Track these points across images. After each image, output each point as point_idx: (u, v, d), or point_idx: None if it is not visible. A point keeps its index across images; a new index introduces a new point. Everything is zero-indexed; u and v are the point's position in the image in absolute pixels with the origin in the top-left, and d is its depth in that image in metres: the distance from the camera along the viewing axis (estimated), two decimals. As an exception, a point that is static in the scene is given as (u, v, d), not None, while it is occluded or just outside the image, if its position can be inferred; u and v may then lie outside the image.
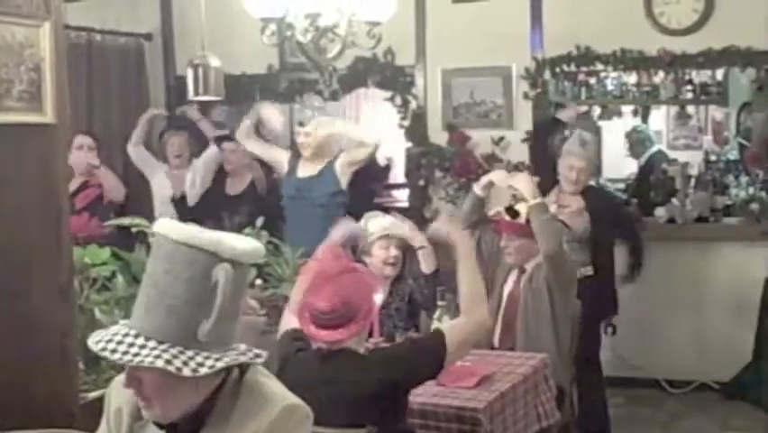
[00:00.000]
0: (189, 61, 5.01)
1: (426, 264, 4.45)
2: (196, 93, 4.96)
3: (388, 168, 11.24)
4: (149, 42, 7.45)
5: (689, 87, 7.25)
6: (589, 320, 4.77)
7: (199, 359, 1.92)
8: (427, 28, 6.74)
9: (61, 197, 2.95)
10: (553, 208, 4.88)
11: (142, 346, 1.92)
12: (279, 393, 2.08)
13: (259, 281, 4.41)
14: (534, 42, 6.46)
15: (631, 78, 7.27)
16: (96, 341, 1.96)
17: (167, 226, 2.00)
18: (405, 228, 4.49)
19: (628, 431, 5.55)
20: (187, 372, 1.89)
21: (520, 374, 3.78)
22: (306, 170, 5.74)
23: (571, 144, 5.32)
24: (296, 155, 5.88)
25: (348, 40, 4.05)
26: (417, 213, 6.81)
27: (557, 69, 6.50)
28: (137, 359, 1.90)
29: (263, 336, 3.22)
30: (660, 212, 6.44)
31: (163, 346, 1.92)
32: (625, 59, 6.32)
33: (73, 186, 5.90)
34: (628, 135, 8.04)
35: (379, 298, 3.78)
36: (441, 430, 3.35)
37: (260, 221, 4.58)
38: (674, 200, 6.43)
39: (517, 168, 6.47)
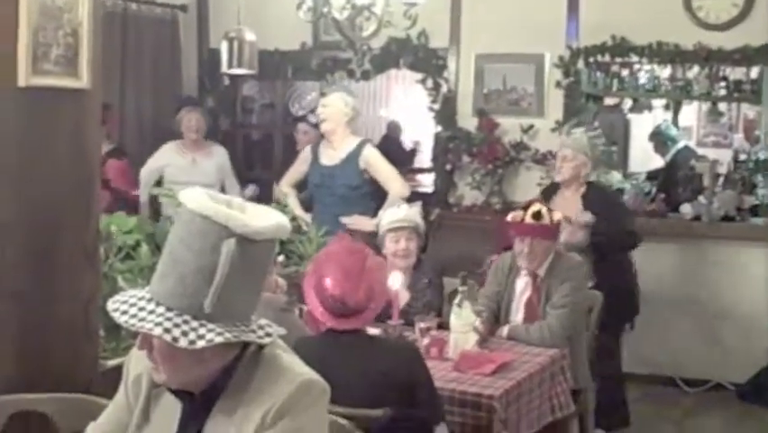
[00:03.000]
0: (225, 34, 5.02)
1: None
2: (230, 66, 4.98)
3: (414, 152, 11.25)
4: (183, 14, 7.44)
5: (722, 84, 7.15)
6: (607, 326, 4.74)
7: (202, 331, 1.92)
8: (462, 12, 6.71)
9: (93, 162, 2.96)
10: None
11: (151, 312, 1.94)
12: (298, 368, 2.08)
13: (281, 258, 4.42)
14: (570, 31, 6.42)
15: (664, 72, 7.19)
16: (113, 301, 1.99)
17: (189, 195, 2.00)
18: (418, 219, 4.47)
19: (642, 427, 5.53)
20: (183, 342, 1.90)
21: (537, 364, 3.78)
22: (329, 157, 5.63)
23: (565, 135, 5.29)
24: (318, 143, 5.80)
25: (384, 19, 4.03)
26: (442, 198, 6.82)
27: (591, 59, 6.46)
28: (139, 324, 1.92)
29: (282, 313, 3.22)
30: (686, 209, 6.39)
31: (170, 314, 1.93)
32: (660, 52, 6.28)
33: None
34: (652, 137, 7.98)
35: (396, 281, 3.82)
36: (455, 415, 3.34)
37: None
38: (701, 198, 6.38)
39: (545, 157, 6.47)
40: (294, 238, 4.56)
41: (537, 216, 4.25)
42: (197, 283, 1.94)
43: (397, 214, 4.46)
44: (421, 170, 9.91)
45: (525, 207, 4.34)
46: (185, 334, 1.92)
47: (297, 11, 4.19)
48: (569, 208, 4.89)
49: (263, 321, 2.10)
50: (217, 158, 6.49)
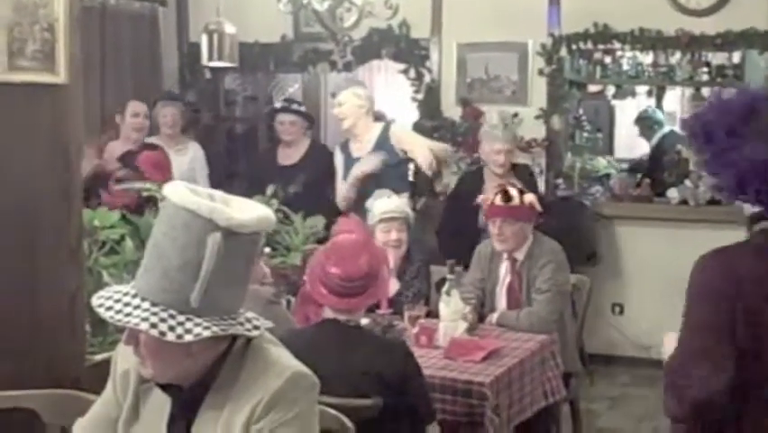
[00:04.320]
0: (204, 27, 4.98)
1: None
2: (210, 59, 4.94)
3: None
4: (163, 8, 7.39)
5: (705, 69, 7.16)
6: None
7: (189, 325, 1.91)
8: (444, 1, 6.66)
9: (73, 157, 2.93)
10: None
11: (136, 307, 1.92)
12: (286, 361, 2.07)
13: (267, 250, 4.40)
14: (552, 19, 6.39)
15: (647, 59, 7.19)
16: (98, 297, 1.97)
17: (172, 189, 1.98)
18: (408, 209, 4.46)
19: (631, 409, 5.54)
20: (171, 336, 1.89)
21: (528, 350, 3.77)
22: (359, 149, 5.55)
23: (494, 128, 5.30)
24: (345, 141, 5.73)
25: (365, 9, 4.00)
26: (428, 187, 6.79)
27: (573, 47, 6.45)
28: (125, 319, 1.90)
29: (270, 305, 3.20)
30: (672, 193, 6.40)
31: (155, 309, 1.92)
32: (642, 39, 6.27)
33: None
34: (637, 120, 7.99)
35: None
36: (446, 403, 3.33)
37: (270, 189, 4.57)
38: (687, 182, 6.38)
39: (530, 144, 6.46)
40: (280, 229, 4.54)
41: (506, 197, 4.23)
42: (183, 278, 1.93)
43: (388, 204, 4.45)
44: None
45: (500, 188, 4.35)
46: (172, 328, 1.91)
47: (278, 2, 4.15)
48: None
49: (251, 314, 2.09)
50: (191, 155, 6.39)
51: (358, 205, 5.33)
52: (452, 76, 6.74)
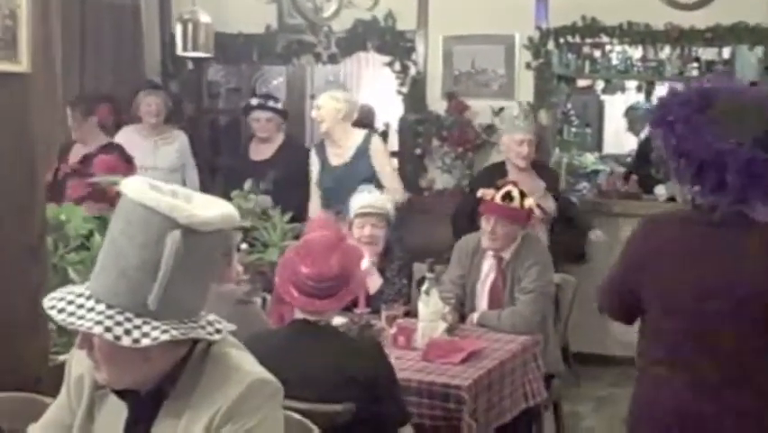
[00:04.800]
0: (179, 16, 4.85)
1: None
2: (185, 49, 4.82)
3: (385, 134, 11.12)
4: (146, -1, 7.27)
5: (695, 65, 7.09)
6: None
7: (146, 329, 1.81)
8: (430, -8, 6.58)
9: (36, 151, 2.83)
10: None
11: (90, 309, 1.82)
12: (248, 366, 1.97)
13: (244, 246, 4.29)
14: (539, 12, 6.30)
15: (636, 53, 7.11)
16: (49, 298, 1.87)
17: (130, 184, 1.88)
18: (388, 206, 4.35)
19: (617, 410, 5.44)
20: (126, 341, 1.79)
21: (509, 351, 3.68)
22: (337, 155, 5.49)
23: (516, 118, 5.20)
24: (321, 144, 5.67)
25: (345, -1, 3.88)
26: (413, 182, 6.70)
27: (561, 40, 6.36)
28: (78, 322, 1.80)
29: (240, 305, 3.09)
30: (660, 190, 6.33)
31: (111, 312, 1.82)
32: (631, 33, 6.18)
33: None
34: (626, 113, 7.91)
35: (363, 263, 3.71)
36: (423, 407, 3.23)
37: (247, 184, 4.45)
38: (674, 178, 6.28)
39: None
40: (258, 225, 4.43)
41: (507, 197, 4.16)
42: (140, 278, 1.83)
43: (366, 199, 4.35)
44: (392, 154, 9.78)
45: (499, 187, 4.24)
46: (127, 332, 1.81)
47: (255, -10, 4.03)
48: (529, 186, 4.84)
49: (212, 317, 1.99)
50: (179, 143, 6.35)
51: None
52: (438, 69, 6.63)
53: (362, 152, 5.42)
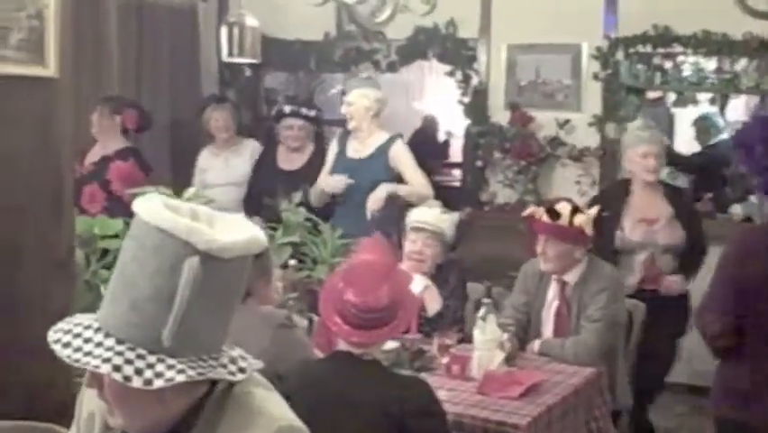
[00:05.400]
0: (224, 19, 4.66)
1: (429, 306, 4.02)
2: (231, 54, 4.63)
3: (447, 143, 10.90)
4: (203, 2, 7.11)
5: (772, 77, 6.74)
6: (666, 339, 4.43)
7: (160, 368, 1.60)
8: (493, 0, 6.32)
9: (63, 159, 2.65)
10: (630, 226, 4.47)
11: (98, 344, 1.62)
12: (274, 410, 1.76)
13: (293, 262, 4.09)
14: (608, 20, 6.01)
15: (710, 64, 6.78)
16: (55, 330, 1.67)
17: (143, 204, 1.67)
18: (445, 226, 4.09)
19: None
20: (137, 382, 1.58)
21: (571, 385, 3.39)
22: (356, 150, 5.34)
23: (639, 130, 4.80)
24: (345, 132, 5.51)
25: (399, 3, 3.64)
26: (473, 196, 6.45)
27: (631, 50, 6.05)
28: (84, 359, 1.60)
29: (281, 330, 2.87)
30: (736, 209, 5.99)
31: (121, 348, 1.61)
32: (706, 42, 5.86)
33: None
34: (695, 122, 7.59)
35: (417, 286, 3.48)
36: (477, 446, 2.97)
37: (297, 196, 4.26)
38: (752, 197, 5.97)
39: (582, 153, 6.09)
40: (307, 240, 4.22)
41: (553, 214, 3.84)
42: (154, 310, 1.62)
43: (423, 214, 4.10)
44: (455, 165, 9.57)
45: (551, 204, 3.96)
46: (139, 372, 1.60)
47: (304, -6, 3.82)
48: (653, 210, 4.56)
49: (236, 352, 1.78)
50: (250, 153, 6.14)
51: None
52: (501, 78, 6.37)
53: (382, 152, 5.26)
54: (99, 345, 1.62)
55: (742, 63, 6.50)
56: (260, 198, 5.52)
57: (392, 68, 6.69)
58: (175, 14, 6.93)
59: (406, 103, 11.37)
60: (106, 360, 1.60)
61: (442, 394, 3.14)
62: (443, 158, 10.90)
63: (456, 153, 9.55)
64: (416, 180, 5.20)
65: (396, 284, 2.63)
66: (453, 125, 9.77)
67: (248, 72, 7.14)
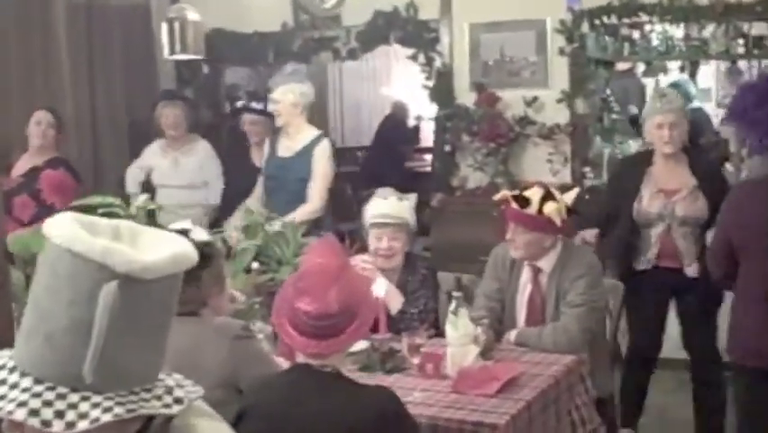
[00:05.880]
0: (164, 15, 4.45)
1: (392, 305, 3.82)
2: (172, 51, 4.41)
3: (417, 129, 10.74)
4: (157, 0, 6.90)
5: (741, 41, 6.59)
6: (704, 314, 4.34)
7: (84, 407, 1.43)
8: (453, -22, 6.16)
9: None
10: (648, 197, 4.32)
11: (13, 386, 1.44)
12: (218, 441, 1.58)
13: (256, 265, 3.91)
14: (571, -8, 5.84)
15: (678, 32, 6.64)
16: None
17: (55, 225, 1.49)
18: (407, 214, 3.92)
19: (675, 417, 5.01)
20: (58, 426, 1.40)
21: (551, 376, 3.22)
22: (285, 148, 5.37)
23: (654, 100, 4.62)
24: (276, 131, 5.49)
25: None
26: (444, 181, 6.29)
27: (596, 22, 5.89)
28: None
29: (239, 342, 2.70)
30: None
31: (39, 388, 1.43)
32: (672, 9, 5.71)
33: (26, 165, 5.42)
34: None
35: (380, 288, 3.31)
36: (454, 450, 2.81)
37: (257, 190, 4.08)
38: (728, 165, 5.83)
39: (552, 131, 5.93)
40: (269, 241, 4.04)
41: (521, 200, 3.65)
42: (72, 344, 1.44)
43: (382, 207, 3.89)
44: (426, 150, 9.42)
45: (523, 188, 3.78)
46: (59, 414, 1.42)
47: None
48: (674, 181, 4.38)
49: (173, 381, 1.60)
50: (200, 155, 5.98)
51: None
52: (465, 59, 6.21)
53: (307, 151, 5.27)
54: (14, 386, 1.45)
55: (710, 29, 6.37)
56: (238, 198, 5.46)
57: (353, 55, 6.52)
58: (126, 12, 6.71)
59: (374, 90, 11.22)
60: (22, 404, 1.42)
61: (416, 396, 3.00)
62: (415, 143, 10.75)
63: (428, 138, 9.41)
64: (314, 191, 5.21)
65: (348, 287, 2.44)
66: (423, 110, 9.63)
67: (206, 69, 6.94)
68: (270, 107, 5.35)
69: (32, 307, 1.49)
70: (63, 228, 1.48)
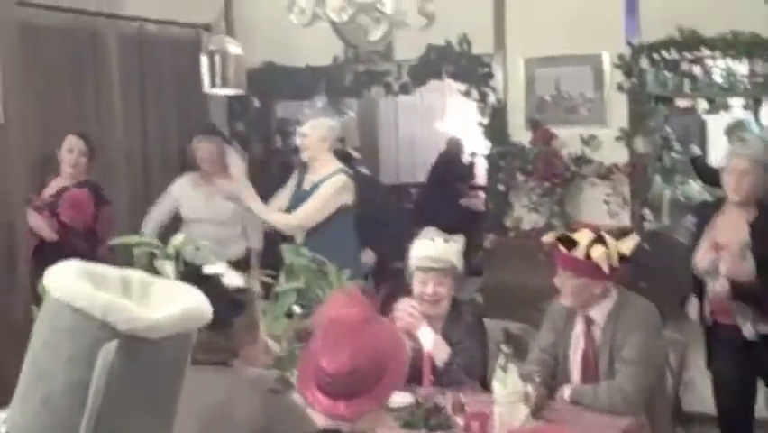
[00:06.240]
0: (204, 47, 4.36)
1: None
2: (213, 85, 4.30)
3: (472, 165, 10.55)
4: (208, 32, 6.84)
5: (808, 78, 6.35)
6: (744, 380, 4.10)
7: None
8: (506, 12, 6.00)
9: (15, 211, 2.35)
10: (704, 249, 4.08)
11: None
12: None
13: (297, 309, 3.75)
14: (630, 26, 5.65)
15: (742, 67, 6.41)
16: None
17: (55, 276, 1.38)
18: (454, 258, 3.72)
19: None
20: None
21: (608, 438, 3.02)
22: (308, 182, 5.34)
23: (734, 146, 4.36)
24: (303, 167, 5.44)
25: (396, 18, 3.29)
26: (497, 221, 6.11)
27: (656, 57, 5.69)
28: None
29: (271, 397, 2.53)
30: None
31: None
32: (736, 44, 5.48)
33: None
34: (727, 131, 7.20)
35: (427, 339, 3.14)
36: None
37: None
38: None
39: (610, 170, 5.73)
40: (311, 282, 3.89)
41: (567, 242, 3.44)
42: (69, 407, 1.33)
43: (427, 250, 3.70)
44: (481, 188, 9.23)
45: (572, 230, 3.59)
46: None
47: (289, 14, 3.49)
48: (727, 234, 4.06)
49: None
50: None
51: None
52: (520, 95, 6.04)
53: (322, 181, 5.22)
54: None
55: (775, 65, 6.14)
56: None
57: (405, 89, 6.40)
58: (177, 45, 6.67)
59: (428, 126, 11.08)
60: None
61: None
62: (470, 180, 10.57)
63: (482, 175, 9.23)
64: (301, 208, 5.17)
65: (370, 341, 2.22)
66: (478, 146, 9.48)
67: (257, 103, 6.87)
68: (298, 141, 5.32)
69: (30, 364, 1.39)
70: (64, 281, 1.37)
